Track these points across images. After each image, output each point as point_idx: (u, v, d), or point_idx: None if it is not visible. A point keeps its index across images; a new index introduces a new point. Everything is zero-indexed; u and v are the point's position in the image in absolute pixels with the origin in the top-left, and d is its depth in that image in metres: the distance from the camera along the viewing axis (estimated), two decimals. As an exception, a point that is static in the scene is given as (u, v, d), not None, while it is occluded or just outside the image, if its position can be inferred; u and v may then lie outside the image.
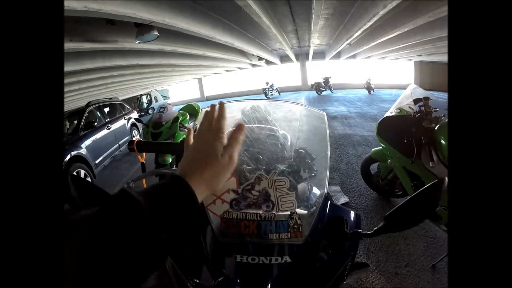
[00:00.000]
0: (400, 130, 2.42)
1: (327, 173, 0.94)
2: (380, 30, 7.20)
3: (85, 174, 4.40)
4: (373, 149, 3.07)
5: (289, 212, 0.79)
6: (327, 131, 1.03)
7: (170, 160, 3.57)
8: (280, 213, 0.79)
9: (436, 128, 2.22)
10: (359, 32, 6.75)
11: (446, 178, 0.79)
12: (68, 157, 4.23)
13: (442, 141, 2.12)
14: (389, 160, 2.61)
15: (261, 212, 0.79)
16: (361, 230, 0.84)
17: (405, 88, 2.88)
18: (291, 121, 1.24)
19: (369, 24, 5.79)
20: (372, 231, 0.78)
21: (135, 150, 1.17)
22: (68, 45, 3.95)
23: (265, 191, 0.81)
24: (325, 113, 1.08)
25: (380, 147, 2.76)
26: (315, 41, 10.64)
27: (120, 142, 6.21)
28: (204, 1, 4.62)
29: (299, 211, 0.84)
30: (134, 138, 5.50)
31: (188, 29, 4.64)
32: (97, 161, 4.95)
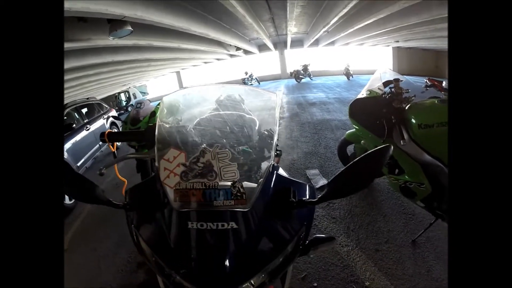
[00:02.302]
0: (371, 111, 2.48)
1: (274, 145, 1.04)
2: (357, 16, 7.27)
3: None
4: (347, 131, 3.15)
5: (231, 181, 0.88)
6: (277, 110, 1.15)
7: None
8: (224, 182, 0.89)
9: (406, 108, 2.28)
10: (336, 19, 6.81)
11: (391, 146, 0.85)
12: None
13: (413, 120, 2.17)
14: (362, 141, 2.69)
15: (205, 181, 0.88)
16: (306, 198, 0.94)
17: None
18: (263, 108, 1.34)
19: (345, 10, 5.85)
20: (316, 199, 0.87)
21: (105, 141, 1.34)
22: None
23: (208, 163, 0.92)
24: (276, 93, 1.22)
25: (354, 129, 2.84)
26: (292, 29, 10.64)
27: (100, 143, 6.07)
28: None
29: (250, 184, 0.95)
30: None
31: (162, 21, 4.54)
32: (78, 164, 4.84)
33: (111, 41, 4.65)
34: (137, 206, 0.98)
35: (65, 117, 5.21)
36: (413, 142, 2.15)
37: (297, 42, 15.70)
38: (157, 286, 1.06)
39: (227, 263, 0.78)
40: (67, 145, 4.71)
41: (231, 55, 16.30)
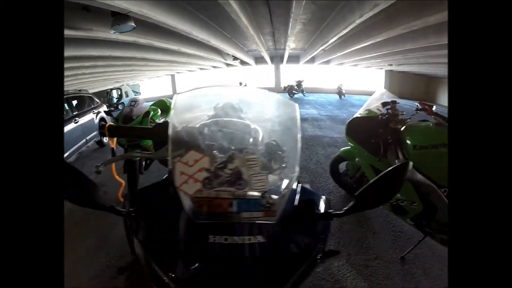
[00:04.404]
0: (368, 130, 2.55)
1: (298, 156, 0.95)
2: (355, 38, 7.47)
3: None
4: (342, 149, 3.22)
5: (261, 191, 0.80)
6: (298, 121, 1.04)
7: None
8: (253, 192, 0.80)
9: (402, 129, 2.37)
10: (335, 38, 6.97)
11: (411, 162, 0.87)
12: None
13: (408, 141, 2.25)
14: (357, 159, 2.74)
15: (233, 190, 0.79)
16: (332, 210, 0.87)
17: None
18: (263, 117, 1.27)
19: (344, 31, 6.00)
20: (343, 211, 0.83)
21: (105, 135, 1.17)
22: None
23: (237, 170, 0.82)
24: (296, 104, 1.10)
25: (349, 147, 2.89)
26: (291, 44, 10.83)
27: (87, 138, 5.91)
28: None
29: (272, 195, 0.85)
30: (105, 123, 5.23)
31: (165, 22, 4.53)
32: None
33: (111, 34, 4.60)
34: (144, 214, 0.85)
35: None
36: None
37: (294, 58, 15.95)
38: None
39: (252, 280, 0.72)
40: (53, 136, 4.56)
41: (228, 64, 16.39)
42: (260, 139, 1.18)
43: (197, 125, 1.15)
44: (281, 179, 0.94)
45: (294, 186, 0.89)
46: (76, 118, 5.59)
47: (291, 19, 6.08)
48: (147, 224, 0.85)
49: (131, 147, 3.43)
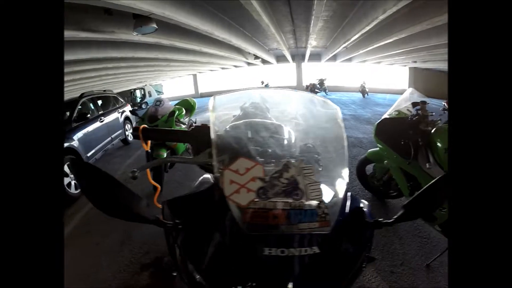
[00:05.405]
0: (398, 132, 2.47)
1: (346, 162, 0.90)
2: (377, 35, 7.26)
3: (75, 167, 4.27)
4: (369, 150, 3.09)
5: (317, 201, 0.76)
6: (342, 124, 1.00)
7: (165, 154, 3.46)
8: (309, 202, 0.77)
9: (432, 131, 2.29)
10: (357, 35, 6.79)
11: None
12: (59, 148, 4.13)
13: (438, 144, 2.17)
14: (385, 161, 2.65)
15: (291, 200, 0.75)
16: (381, 219, 0.82)
17: (399, 93, 2.92)
18: (291, 116, 1.21)
19: (367, 28, 5.83)
20: (393, 219, 0.78)
21: (139, 137, 1.08)
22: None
23: (293, 179, 0.78)
24: (338, 108, 1.04)
25: (377, 148, 2.81)
26: (312, 42, 10.68)
27: (112, 136, 6.11)
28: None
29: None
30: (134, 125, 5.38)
31: (187, 23, 4.59)
32: (88, 154, 4.85)
33: (133, 36, 4.72)
34: (192, 226, 0.80)
35: (80, 107, 5.25)
36: (438, 165, 2.13)
37: (315, 56, 15.74)
38: None
39: None
40: (79, 134, 4.73)
41: (249, 63, 16.46)
42: (293, 141, 1.12)
43: (227, 127, 1.09)
44: (332, 186, 0.90)
45: (344, 193, 0.85)
46: (102, 117, 5.78)
47: (312, 17, 5.99)
48: (195, 237, 0.80)
49: (157, 146, 3.44)
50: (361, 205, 0.88)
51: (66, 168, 4.01)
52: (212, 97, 0.98)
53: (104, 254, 2.60)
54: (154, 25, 4.23)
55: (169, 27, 5.21)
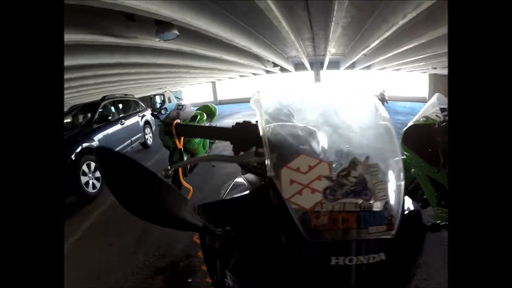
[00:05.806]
0: (426, 139, 2.37)
1: (400, 162, 0.82)
2: (397, 41, 7.12)
3: (94, 167, 4.44)
4: None
5: (384, 202, 0.70)
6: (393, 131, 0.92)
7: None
8: (377, 203, 0.69)
9: None
10: (376, 42, 6.69)
11: None
12: (79, 148, 4.29)
13: None
14: (412, 170, 2.54)
15: (360, 201, 0.67)
16: (439, 221, 0.76)
17: (419, 101, 2.82)
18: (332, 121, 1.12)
19: (387, 34, 5.73)
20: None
21: (172, 134, 1.00)
22: (86, 37, 4.01)
23: (362, 178, 0.70)
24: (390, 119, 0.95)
25: (403, 157, 2.70)
26: (331, 50, 10.62)
27: (132, 139, 6.29)
28: (224, 2, 4.64)
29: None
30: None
31: (208, 30, 4.66)
32: (108, 155, 4.99)
33: (155, 42, 4.84)
34: (244, 233, 0.71)
35: (101, 110, 5.45)
36: None
37: (334, 64, 15.62)
38: None
39: None
40: (99, 136, 4.91)
41: (267, 71, 16.52)
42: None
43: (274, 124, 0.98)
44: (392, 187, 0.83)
45: (402, 195, 0.77)
46: (122, 120, 5.97)
47: (332, 23, 5.95)
48: (243, 245, 0.72)
49: (177, 150, 3.43)
50: (417, 207, 0.82)
51: (84, 167, 4.14)
52: (256, 92, 0.92)
53: (117, 254, 2.62)
54: (176, 32, 4.34)
55: (189, 34, 5.32)
